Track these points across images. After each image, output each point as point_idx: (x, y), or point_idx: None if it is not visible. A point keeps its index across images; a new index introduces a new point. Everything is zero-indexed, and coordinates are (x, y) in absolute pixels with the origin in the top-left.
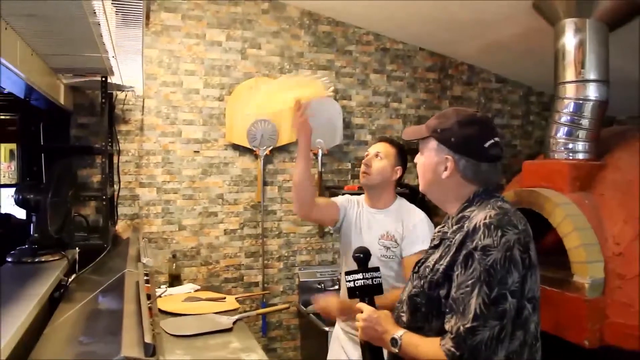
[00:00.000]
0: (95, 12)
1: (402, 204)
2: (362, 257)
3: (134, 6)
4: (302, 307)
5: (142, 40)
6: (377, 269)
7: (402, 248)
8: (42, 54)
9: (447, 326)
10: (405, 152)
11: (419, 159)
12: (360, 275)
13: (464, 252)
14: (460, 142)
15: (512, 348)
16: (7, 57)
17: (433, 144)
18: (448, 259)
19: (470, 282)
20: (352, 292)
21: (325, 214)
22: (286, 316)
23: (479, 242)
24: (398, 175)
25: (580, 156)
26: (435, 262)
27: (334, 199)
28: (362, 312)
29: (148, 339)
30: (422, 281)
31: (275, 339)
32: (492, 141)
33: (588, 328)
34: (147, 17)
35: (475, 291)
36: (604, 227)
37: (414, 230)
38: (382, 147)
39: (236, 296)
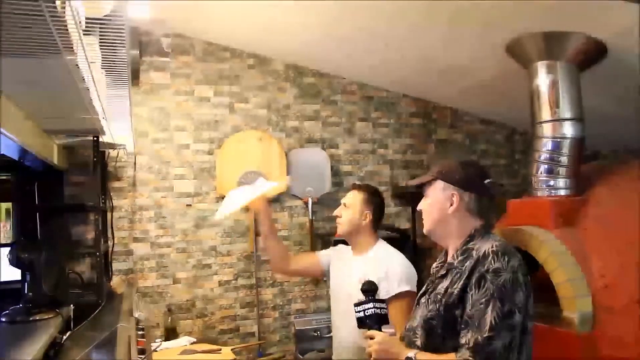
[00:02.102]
0: (84, 79)
1: (381, 248)
2: (370, 288)
3: (120, 68)
4: (299, 355)
5: (130, 101)
6: (383, 301)
7: (382, 290)
8: (34, 117)
9: (462, 340)
10: (378, 195)
11: (423, 203)
12: (370, 305)
13: (476, 275)
14: (464, 179)
15: (522, 359)
16: (1, 122)
17: (439, 184)
18: (461, 282)
19: (484, 299)
20: (363, 322)
21: (306, 267)
22: None
23: (490, 266)
24: (368, 219)
25: (562, 192)
26: (448, 288)
27: (320, 251)
28: (372, 339)
29: None
30: (437, 305)
31: None
32: (489, 180)
33: None
34: (137, 77)
35: (490, 306)
36: (589, 261)
37: (393, 272)
38: (350, 196)
39: (232, 347)
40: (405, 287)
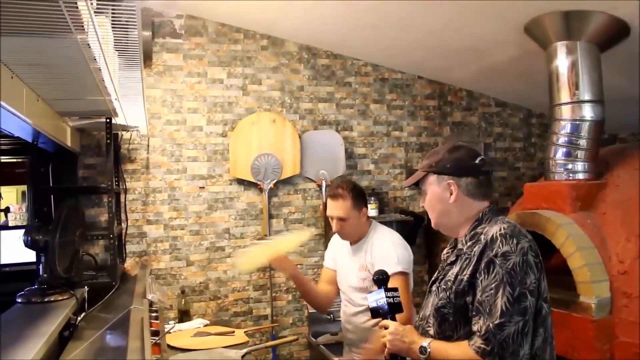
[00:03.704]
0: (95, 59)
1: (375, 231)
2: (382, 278)
3: (132, 49)
4: (312, 338)
5: (142, 81)
6: (396, 289)
7: None
8: (47, 99)
9: (475, 327)
10: (355, 186)
11: (424, 200)
12: (382, 295)
13: (484, 260)
14: (455, 165)
15: (537, 344)
16: (14, 104)
17: (432, 178)
18: (471, 268)
19: (494, 284)
20: (376, 311)
21: (335, 286)
22: (296, 348)
23: (499, 250)
24: (365, 214)
25: (580, 176)
26: (457, 274)
27: (325, 267)
28: (386, 328)
29: None
30: (447, 292)
31: None
32: (479, 158)
33: (597, 349)
34: (150, 58)
35: (500, 292)
36: (608, 246)
37: (385, 254)
38: (339, 208)
39: (245, 330)
40: (397, 269)
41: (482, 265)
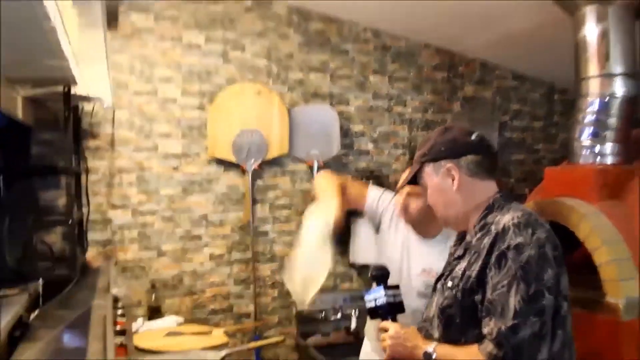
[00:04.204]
0: (49, 16)
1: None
2: (382, 274)
3: (93, 7)
4: (301, 339)
5: (105, 44)
6: (397, 287)
7: None
8: None
9: (485, 330)
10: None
11: (426, 196)
12: (381, 293)
13: (496, 253)
14: (448, 146)
15: (556, 348)
16: None
17: (428, 168)
18: (479, 263)
19: (506, 281)
20: (374, 312)
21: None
22: (283, 350)
23: (511, 242)
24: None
25: (609, 160)
26: (465, 270)
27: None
28: (386, 331)
29: None
30: (454, 291)
31: None
32: (474, 134)
33: (625, 354)
34: (115, 19)
35: (513, 289)
36: (638, 240)
37: None
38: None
39: (225, 329)
40: None
41: (493, 259)
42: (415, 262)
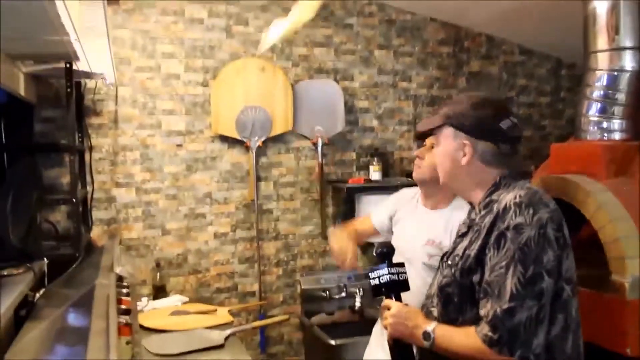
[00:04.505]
0: None
1: (458, 204)
2: (386, 251)
3: None
4: (306, 318)
5: (106, 18)
6: (402, 264)
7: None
8: None
9: (482, 312)
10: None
11: (435, 151)
12: (385, 271)
13: (495, 233)
14: (474, 124)
15: (555, 332)
16: None
17: (448, 131)
18: (479, 243)
19: (504, 262)
20: (378, 290)
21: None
22: (287, 329)
23: (511, 222)
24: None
25: (617, 136)
26: (466, 249)
27: (375, 215)
28: (389, 309)
29: (114, 357)
30: (452, 270)
31: (276, 356)
32: (508, 121)
33: (630, 334)
34: None
35: (510, 271)
36: None
37: None
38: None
39: (229, 308)
40: None
41: (492, 239)
42: (421, 233)
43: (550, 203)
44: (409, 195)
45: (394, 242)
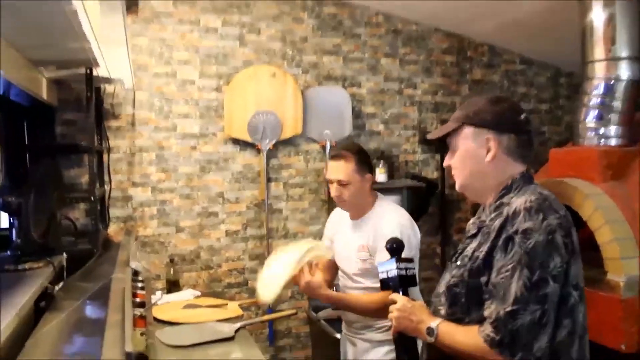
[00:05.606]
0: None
1: (381, 208)
2: (395, 247)
3: None
4: (313, 312)
5: (125, 27)
6: (411, 260)
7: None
8: (18, 46)
9: (486, 312)
10: (362, 150)
11: (450, 158)
12: (393, 266)
13: (503, 236)
14: (496, 118)
15: (560, 337)
16: None
17: (468, 131)
18: (488, 244)
19: (510, 266)
20: (385, 284)
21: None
22: (295, 323)
23: (520, 226)
24: (371, 181)
25: (613, 142)
26: (474, 250)
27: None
28: (395, 303)
29: (129, 347)
30: (461, 270)
31: (284, 348)
32: (523, 114)
33: (625, 331)
34: (135, 3)
35: (516, 275)
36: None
37: (383, 239)
38: (341, 169)
39: (240, 302)
40: (413, 253)
41: (500, 242)
42: (353, 241)
43: (560, 209)
44: (338, 215)
45: (337, 262)
